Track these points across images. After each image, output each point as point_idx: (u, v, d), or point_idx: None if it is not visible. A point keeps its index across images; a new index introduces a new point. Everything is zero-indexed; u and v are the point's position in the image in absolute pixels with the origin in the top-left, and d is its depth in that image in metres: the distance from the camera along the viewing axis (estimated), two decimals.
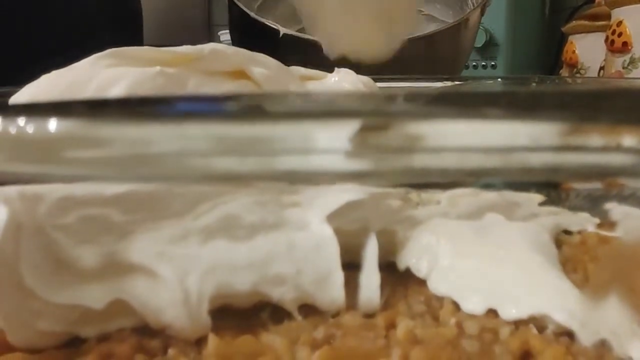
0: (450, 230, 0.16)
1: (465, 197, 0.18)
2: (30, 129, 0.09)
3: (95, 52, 0.17)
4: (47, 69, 0.17)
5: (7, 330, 0.12)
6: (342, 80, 0.22)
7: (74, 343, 0.13)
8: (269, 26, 0.48)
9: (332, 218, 0.15)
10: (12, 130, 0.09)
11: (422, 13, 0.59)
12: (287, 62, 0.21)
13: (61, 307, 0.13)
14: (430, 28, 0.53)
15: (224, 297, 0.14)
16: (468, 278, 0.15)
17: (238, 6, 0.51)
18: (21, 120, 0.09)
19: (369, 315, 0.14)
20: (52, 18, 0.49)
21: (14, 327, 0.13)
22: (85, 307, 0.13)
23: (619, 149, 0.09)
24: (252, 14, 0.51)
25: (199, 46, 0.18)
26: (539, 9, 0.74)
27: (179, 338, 0.13)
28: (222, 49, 0.18)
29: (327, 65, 0.23)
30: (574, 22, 0.67)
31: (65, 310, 0.13)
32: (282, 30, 0.47)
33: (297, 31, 0.49)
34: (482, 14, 0.52)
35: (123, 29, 0.56)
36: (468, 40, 0.53)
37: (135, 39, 0.57)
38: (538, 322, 0.13)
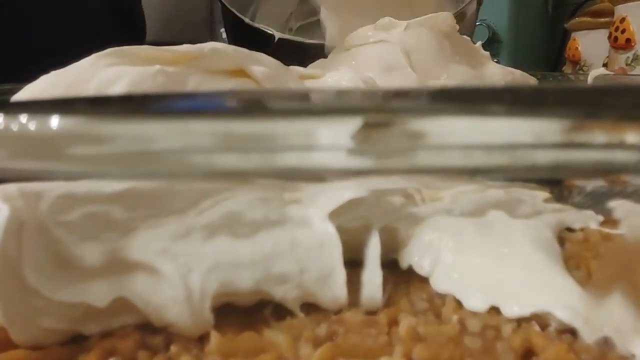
0: (452, 227, 0.16)
1: (468, 194, 0.18)
2: (32, 126, 0.09)
3: (90, 53, 0.17)
4: (46, 70, 0.17)
5: (10, 328, 0.13)
6: (342, 79, 0.22)
7: (77, 340, 0.13)
8: (264, 31, 0.49)
9: (334, 215, 0.15)
10: (14, 127, 0.09)
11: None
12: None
13: (64, 305, 0.13)
14: None
15: (227, 295, 0.14)
16: (470, 275, 0.15)
17: (232, 12, 0.52)
18: (23, 118, 0.09)
19: (372, 313, 0.14)
20: (52, 19, 0.49)
21: (17, 325, 0.13)
22: (88, 305, 0.13)
23: (622, 146, 0.09)
24: (247, 20, 0.51)
25: (198, 45, 0.18)
26: (541, 5, 0.73)
27: (181, 335, 0.13)
28: (222, 48, 0.18)
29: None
30: (576, 18, 0.67)
31: (68, 308, 0.13)
32: (277, 35, 0.48)
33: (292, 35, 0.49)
34: (479, 4, 0.52)
35: (127, 31, 0.56)
36: (466, 34, 0.53)
37: (137, 41, 0.57)
38: (540, 320, 0.13)
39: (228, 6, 0.52)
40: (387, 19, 0.29)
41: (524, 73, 0.29)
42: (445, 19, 0.28)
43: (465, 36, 0.29)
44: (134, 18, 0.61)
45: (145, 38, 0.61)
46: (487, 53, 0.30)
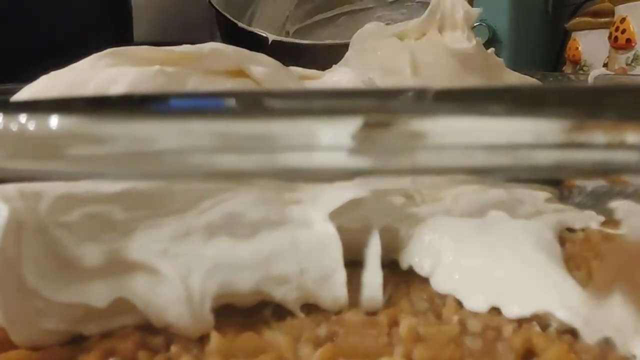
0: (453, 227, 0.16)
1: (469, 194, 0.18)
2: (31, 126, 0.09)
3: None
4: (46, 70, 0.17)
5: (9, 329, 0.12)
6: (341, 79, 0.22)
7: (77, 340, 0.13)
8: (258, 34, 0.49)
9: (334, 216, 0.15)
10: (14, 127, 0.09)
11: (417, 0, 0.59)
12: None
13: (64, 306, 0.13)
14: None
15: (227, 296, 0.14)
16: (471, 276, 0.15)
17: (225, 16, 0.52)
18: (23, 118, 0.09)
19: (372, 313, 0.14)
20: (52, 18, 0.49)
21: (17, 326, 0.13)
22: (88, 306, 0.13)
23: (622, 146, 0.09)
24: (240, 24, 0.51)
25: (198, 45, 0.18)
26: (542, 5, 0.73)
27: (181, 335, 0.13)
28: (222, 48, 0.18)
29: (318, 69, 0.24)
30: (577, 18, 0.67)
31: (68, 308, 0.13)
32: (271, 38, 0.48)
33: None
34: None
35: (112, 29, 0.56)
36: None
37: (124, 39, 0.57)
38: (541, 320, 0.13)
39: (221, 11, 0.52)
40: (404, 24, 0.29)
41: (538, 81, 0.29)
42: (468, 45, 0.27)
43: (477, 40, 0.29)
44: (126, 18, 0.61)
45: (134, 38, 0.61)
46: (501, 60, 0.30)
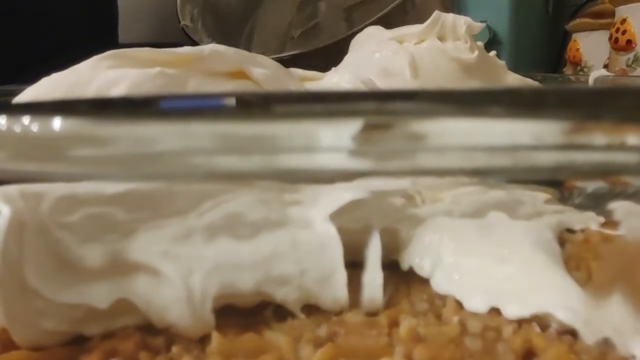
0: (453, 228, 0.16)
1: (469, 195, 0.18)
2: (34, 127, 0.09)
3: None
4: (47, 71, 0.17)
5: (11, 329, 0.13)
6: (341, 81, 0.22)
7: (78, 340, 0.13)
8: None
9: (335, 217, 0.15)
10: (17, 128, 0.09)
11: None
12: None
13: (65, 307, 0.13)
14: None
15: (228, 297, 0.14)
16: (471, 276, 0.15)
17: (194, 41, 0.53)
18: (25, 119, 0.09)
19: (372, 314, 0.14)
20: (52, 20, 0.49)
21: (18, 327, 0.13)
22: (89, 306, 0.13)
23: (622, 147, 0.09)
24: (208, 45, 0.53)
25: (199, 47, 0.18)
26: (542, 6, 0.73)
27: (182, 336, 0.13)
28: (222, 50, 0.18)
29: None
30: (577, 19, 0.67)
31: (70, 309, 0.13)
32: None
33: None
34: None
35: (97, 31, 0.56)
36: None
37: (110, 40, 0.58)
38: (541, 321, 0.13)
39: (191, 36, 0.53)
40: (405, 29, 0.29)
41: (538, 83, 0.30)
42: (469, 56, 0.27)
43: (479, 43, 0.29)
44: (110, 19, 0.62)
45: (119, 40, 0.62)
46: (503, 62, 0.30)
